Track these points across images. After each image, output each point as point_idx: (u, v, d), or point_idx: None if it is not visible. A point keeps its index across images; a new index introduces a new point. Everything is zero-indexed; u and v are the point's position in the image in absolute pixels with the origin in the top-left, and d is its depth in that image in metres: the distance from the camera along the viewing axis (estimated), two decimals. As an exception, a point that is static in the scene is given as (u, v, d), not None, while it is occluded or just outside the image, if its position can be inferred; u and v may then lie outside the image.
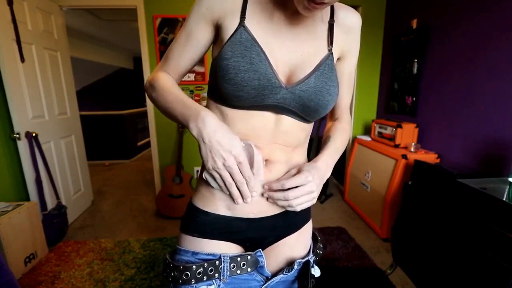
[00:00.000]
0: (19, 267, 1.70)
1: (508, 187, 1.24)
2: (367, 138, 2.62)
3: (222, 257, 0.56)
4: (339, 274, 1.73)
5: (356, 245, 2.06)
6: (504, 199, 1.14)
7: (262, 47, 0.51)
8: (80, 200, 2.65)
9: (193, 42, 0.57)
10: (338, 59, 0.60)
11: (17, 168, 2.00)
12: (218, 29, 0.55)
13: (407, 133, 2.18)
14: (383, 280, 1.69)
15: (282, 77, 0.52)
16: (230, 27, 0.52)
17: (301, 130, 0.58)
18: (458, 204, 1.33)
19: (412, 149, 2.08)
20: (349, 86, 0.67)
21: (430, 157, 1.98)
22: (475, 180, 1.35)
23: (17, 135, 1.89)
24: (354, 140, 2.79)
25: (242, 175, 0.49)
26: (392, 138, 2.26)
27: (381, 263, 1.86)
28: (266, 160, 0.56)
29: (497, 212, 1.12)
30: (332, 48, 0.57)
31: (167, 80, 0.58)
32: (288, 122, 0.55)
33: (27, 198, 2.04)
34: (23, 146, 1.93)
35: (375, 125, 2.53)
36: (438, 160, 1.99)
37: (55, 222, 2.08)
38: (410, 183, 1.74)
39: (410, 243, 1.65)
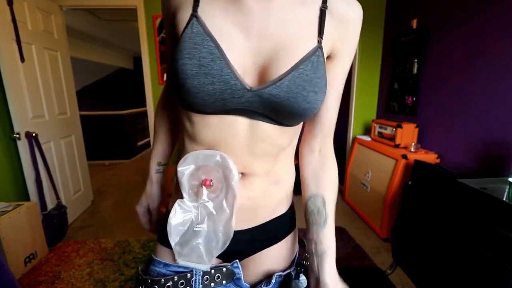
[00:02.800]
0: (19, 267, 1.70)
1: (508, 187, 1.24)
2: (367, 138, 2.61)
3: (194, 270, 0.52)
4: (339, 274, 1.73)
5: (356, 245, 2.06)
6: (504, 199, 1.14)
7: (219, 40, 0.41)
8: (80, 200, 2.65)
9: (170, 51, 0.52)
10: (327, 57, 0.48)
11: (17, 168, 2.00)
12: (175, 27, 0.46)
13: (407, 133, 2.18)
14: (383, 280, 1.69)
15: (253, 73, 0.43)
16: (182, 20, 0.43)
17: (280, 135, 0.48)
18: (458, 204, 1.33)
19: (412, 149, 2.08)
20: (337, 98, 0.52)
21: (430, 157, 1.98)
22: (475, 180, 1.35)
23: (17, 135, 1.89)
24: (354, 140, 2.79)
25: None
26: (392, 138, 2.26)
27: (381, 263, 1.86)
28: (242, 174, 0.49)
29: (497, 212, 1.12)
30: (322, 41, 0.44)
31: (159, 121, 0.64)
32: (264, 127, 0.46)
33: (27, 198, 2.04)
34: (23, 146, 1.93)
35: (375, 125, 2.53)
36: (438, 160, 1.99)
37: (55, 222, 2.08)
38: (410, 183, 1.74)
39: (410, 243, 1.65)
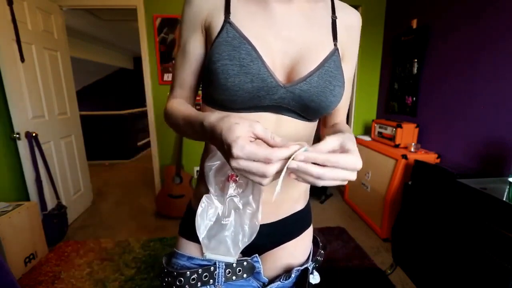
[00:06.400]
0: (19, 267, 1.70)
1: (508, 187, 1.24)
2: (367, 138, 2.61)
3: (217, 263, 0.54)
4: (339, 274, 1.73)
5: (356, 245, 2.06)
6: (504, 199, 1.14)
7: (253, 43, 0.45)
8: (80, 200, 2.65)
9: (192, 56, 0.53)
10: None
11: (17, 168, 2.00)
12: (206, 32, 0.50)
13: (407, 133, 2.18)
14: (383, 280, 1.69)
15: (281, 72, 0.48)
16: (216, 26, 0.47)
17: (303, 130, 0.53)
18: (458, 204, 1.33)
19: (412, 149, 2.08)
20: (348, 91, 0.59)
21: (430, 157, 1.98)
22: (475, 180, 1.35)
23: (17, 135, 1.89)
24: (354, 140, 2.79)
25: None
26: (392, 138, 2.26)
27: (381, 263, 1.86)
28: None
29: (497, 212, 1.12)
30: (337, 44, 0.52)
31: (176, 105, 0.53)
32: (289, 122, 0.51)
33: (27, 198, 2.04)
34: (23, 146, 1.93)
35: (375, 125, 2.53)
36: (438, 160, 1.99)
37: (55, 222, 2.08)
38: (410, 183, 1.74)
39: (410, 243, 1.65)
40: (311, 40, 0.49)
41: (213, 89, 0.47)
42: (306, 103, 0.48)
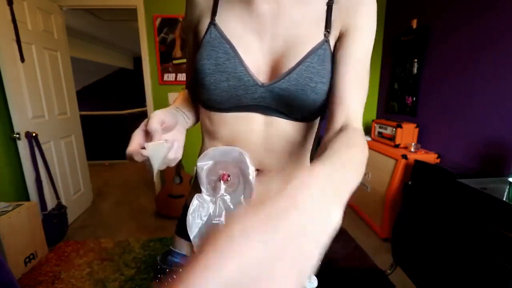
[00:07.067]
0: (19, 267, 1.70)
1: (508, 187, 1.24)
2: (367, 138, 2.61)
3: None
4: (339, 274, 1.73)
5: (356, 245, 2.06)
6: (504, 199, 1.14)
7: (234, 42, 0.45)
8: (80, 200, 2.65)
9: (192, 55, 0.56)
10: (338, 39, 0.48)
11: (17, 168, 2.00)
12: (197, 34, 0.51)
13: (407, 133, 2.18)
14: (383, 280, 1.69)
15: (266, 71, 0.46)
16: (202, 28, 0.49)
17: (296, 131, 0.50)
18: (458, 204, 1.33)
19: (412, 149, 2.08)
20: (357, 76, 0.48)
21: (430, 157, 1.98)
22: (475, 180, 1.35)
23: (17, 135, 1.89)
24: (354, 140, 2.79)
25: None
26: (392, 138, 2.26)
27: (381, 263, 1.86)
28: (257, 170, 0.51)
29: (497, 212, 1.12)
30: (330, 35, 0.46)
31: (180, 97, 0.59)
32: (280, 123, 0.48)
33: (27, 198, 2.04)
34: (23, 146, 1.93)
35: (375, 125, 2.53)
36: (438, 160, 1.99)
37: (55, 222, 2.08)
38: (410, 183, 1.74)
39: (410, 243, 1.65)
40: (298, 35, 0.45)
41: (197, 89, 0.48)
42: (287, 102, 0.45)
